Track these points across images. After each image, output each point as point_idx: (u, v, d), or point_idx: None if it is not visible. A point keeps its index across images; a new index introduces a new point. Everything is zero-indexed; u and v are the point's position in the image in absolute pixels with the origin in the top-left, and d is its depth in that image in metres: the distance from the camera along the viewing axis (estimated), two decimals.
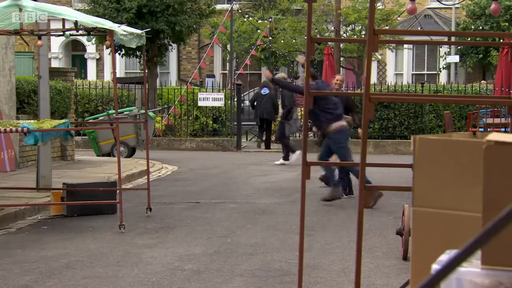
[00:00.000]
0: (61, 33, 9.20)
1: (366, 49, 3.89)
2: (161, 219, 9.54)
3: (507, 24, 26.12)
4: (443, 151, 2.22)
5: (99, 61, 33.96)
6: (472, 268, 2.06)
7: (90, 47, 32.19)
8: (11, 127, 8.55)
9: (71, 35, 9.14)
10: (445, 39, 19.76)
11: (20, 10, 8.16)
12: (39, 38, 9.13)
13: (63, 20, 9.11)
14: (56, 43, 31.98)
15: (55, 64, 31.82)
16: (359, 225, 3.62)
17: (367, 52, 3.91)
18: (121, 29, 8.80)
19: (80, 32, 8.85)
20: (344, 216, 9.79)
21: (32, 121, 9.44)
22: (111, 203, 9.69)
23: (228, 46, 27.34)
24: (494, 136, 2.03)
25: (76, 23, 8.41)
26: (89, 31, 8.77)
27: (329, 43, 21.65)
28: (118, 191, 9.22)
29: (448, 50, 27.65)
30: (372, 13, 3.91)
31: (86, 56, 33.84)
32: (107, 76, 32.26)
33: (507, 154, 1.91)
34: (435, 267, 2.05)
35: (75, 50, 34.27)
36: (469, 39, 11.57)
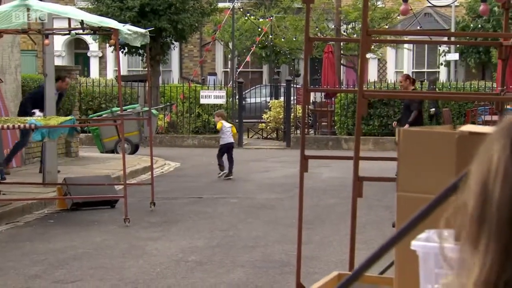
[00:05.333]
0: (67, 32, 9.44)
1: (360, 48, 4.13)
2: (164, 213, 9.79)
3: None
4: (423, 142, 2.46)
5: (102, 59, 34.20)
6: (447, 244, 2.31)
7: (93, 45, 32.41)
8: (19, 124, 8.80)
9: (77, 34, 9.39)
10: (445, 38, 19.98)
11: (28, 10, 8.41)
12: (46, 37, 9.37)
13: (69, 19, 9.36)
14: (59, 42, 32.15)
15: (58, 62, 32.01)
16: (353, 213, 3.86)
17: (360, 52, 4.15)
18: (126, 28, 9.05)
19: (86, 31, 9.09)
20: (343, 211, 10.03)
21: (39, 118, 9.70)
22: (112, 198, 10.03)
23: (230, 44, 27.59)
24: (468, 127, 2.27)
25: (82, 22, 8.66)
26: (95, 30, 9.02)
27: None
28: (123, 186, 9.48)
29: (448, 48, 27.85)
30: (365, 15, 4.16)
31: (89, 54, 34.07)
32: (110, 74, 32.49)
33: (476, 143, 2.15)
34: (414, 243, 2.30)
35: (78, 48, 34.50)
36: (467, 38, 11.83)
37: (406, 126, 12.91)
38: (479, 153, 1.06)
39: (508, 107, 16.45)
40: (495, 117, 17.58)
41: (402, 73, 30.55)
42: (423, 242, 2.30)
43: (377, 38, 17.46)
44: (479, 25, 26.19)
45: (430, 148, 2.44)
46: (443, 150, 2.35)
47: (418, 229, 2.47)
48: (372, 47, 27.42)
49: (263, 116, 23.16)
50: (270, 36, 28.16)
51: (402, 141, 2.53)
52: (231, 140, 14.10)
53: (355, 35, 26.65)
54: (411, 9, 23.54)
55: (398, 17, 27.90)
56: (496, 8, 22.75)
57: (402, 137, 2.54)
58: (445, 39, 19.61)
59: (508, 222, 0.95)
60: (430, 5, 25.12)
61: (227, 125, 14.15)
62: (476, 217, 1.00)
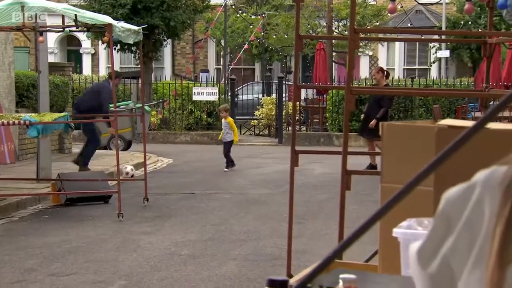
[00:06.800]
0: (61, 29, 9.54)
1: (348, 46, 4.26)
2: (157, 208, 9.91)
3: (498, 18, 26.44)
4: (405, 135, 2.59)
5: (94, 56, 34.24)
6: (426, 231, 2.46)
7: (85, 42, 32.46)
8: (13, 120, 8.91)
9: (70, 31, 9.49)
10: (435, 36, 20.12)
11: (22, 7, 8.51)
12: (41, 34, 9.47)
13: (63, 16, 9.46)
14: (52, 38, 32.15)
15: (51, 59, 31.95)
16: (341, 205, 3.99)
17: (348, 50, 4.29)
18: (119, 26, 9.16)
19: (80, 28, 9.19)
20: (334, 206, 10.14)
21: (33, 114, 9.80)
22: (106, 193, 10.16)
23: (222, 41, 27.69)
24: (447, 121, 2.41)
25: (76, 19, 8.76)
26: (89, 27, 9.12)
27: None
28: (116, 182, 9.59)
29: (438, 45, 28.01)
30: (353, 13, 4.29)
31: (81, 51, 34.11)
32: (102, 71, 32.54)
33: (455, 136, 2.29)
34: (395, 230, 2.44)
35: (70, 45, 34.52)
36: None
37: (374, 122, 13.06)
38: None
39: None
40: None
41: (393, 70, 30.78)
42: (404, 230, 2.44)
43: (368, 35, 17.58)
44: (470, 22, 26.36)
45: (411, 141, 2.58)
46: (424, 143, 2.49)
47: (401, 217, 2.60)
48: (361, 44, 27.27)
49: (255, 113, 23.29)
50: (262, 34, 28.26)
51: (385, 135, 2.67)
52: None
53: (346, 32, 26.78)
54: (402, 7, 23.71)
55: (389, 15, 28.05)
56: None
57: (385, 131, 2.68)
58: (436, 37, 19.79)
59: None
60: (420, 3, 25.28)
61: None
62: None
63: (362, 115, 14.20)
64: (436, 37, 18.13)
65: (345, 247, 1.55)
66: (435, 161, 1.56)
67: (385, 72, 13.89)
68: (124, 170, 12.09)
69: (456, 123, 2.44)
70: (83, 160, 12.46)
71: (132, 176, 12.29)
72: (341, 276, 1.98)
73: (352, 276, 2.00)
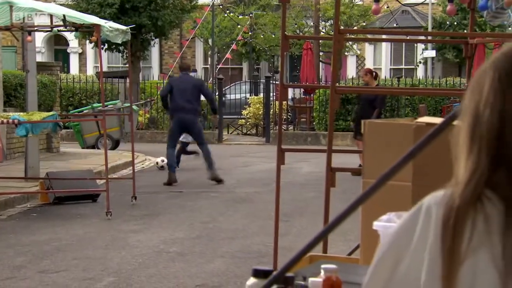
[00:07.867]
0: (50, 29, 9.60)
1: (333, 47, 4.37)
2: (145, 207, 9.99)
3: (483, 18, 26.63)
4: (385, 132, 2.70)
5: (82, 56, 34.21)
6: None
7: (73, 42, 32.45)
8: (1, 119, 8.96)
9: (59, 31, 9.54)
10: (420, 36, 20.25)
11: (11, 7, 8.56)
12: (29, 34, 9.53)
13: (51, 16, 9.52)
14: (39, 38, 32.09)
15: (38, 58, 31.80)
16: (326, 201, 4.10)
17: (333, 50, 4.39)
18: (108, 25, 9.23)
19: (68, 28, 9.26)
20: (320, 203, 10.22)
21: (22, 113, 9.85)
22: (94, 192, 10.22)
23: (210, 41, 27.76)
24: (425, 119, 2.51)
25: (64, 19, 8.83)
26: (77, 27, 9.19)
27: None
28: (105, 181, 9.66)
29: (424, 45, 28.20)
30: (337, 14, 4.40)
31: (69, 50, 34.08)
32: (90, 70, 32.53)
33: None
34: (376, 223, 2.54)
35: (57, 45, 34.49)
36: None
37: None
38: (472, 83, 1.30)
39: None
40: None
41: (380, 69, 30.96)
42: (383, 223, 2.55)
43: (356, 36, 17.73)
44: (455, 23, 26.56)
45: (391, 138, 2.68)
46: (403, 139, 2.60)
47: (381, 212, 2.71)
48: (348, 45, 27.28)
49: (242, 112, 23.38)
50: (250, 33, 28.36)
51: (366, 132, 2.77)
52: None
53: (332, 32, 26.91)
54: (388, 7, 23.86)
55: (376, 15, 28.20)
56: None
57: (367, 129, 2.78)
58: (421, 37, 19.92)
59: (494, 139, 1.21)
60: (405, 3, 25.45)
61: None
62: (469, 134, 1.25)
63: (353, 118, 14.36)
64: (421, 37, 18.26)
65: (326, 234, 1.65)
66: (409, 154, 1.66)
67: (374, 73, 13.97)
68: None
69: (434, 120, 2.55)
70: (209, 162, 12.38)
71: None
72: (323, 266, 2.08)
73: (333, 266, 2.10)
